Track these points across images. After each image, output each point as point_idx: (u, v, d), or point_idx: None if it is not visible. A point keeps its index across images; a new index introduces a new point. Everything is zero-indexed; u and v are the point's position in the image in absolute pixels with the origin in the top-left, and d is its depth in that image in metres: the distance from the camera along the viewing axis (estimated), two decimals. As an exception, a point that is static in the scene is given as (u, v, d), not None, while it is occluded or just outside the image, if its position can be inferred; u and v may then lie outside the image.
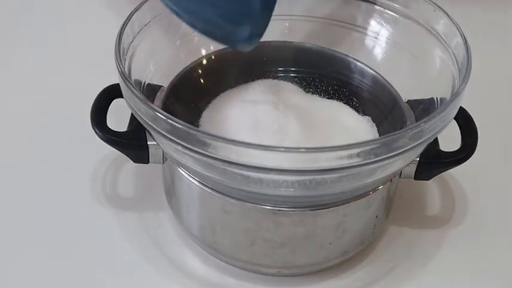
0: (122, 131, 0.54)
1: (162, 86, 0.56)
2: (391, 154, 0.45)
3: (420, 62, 0.57)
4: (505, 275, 0.57)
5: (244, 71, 0.60)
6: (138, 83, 0.53)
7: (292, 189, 0.47)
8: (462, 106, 0.53)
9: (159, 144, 0.52)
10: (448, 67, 0.53)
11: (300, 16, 0.62)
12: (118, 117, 0.55)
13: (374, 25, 0.60)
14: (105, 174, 0.62)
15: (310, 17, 0.62)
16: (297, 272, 0.55)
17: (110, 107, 0.54)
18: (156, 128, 0.46)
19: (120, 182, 0.62)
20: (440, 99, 0.53)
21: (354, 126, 0.57)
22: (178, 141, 0.45)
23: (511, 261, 0.58)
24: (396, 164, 0.48)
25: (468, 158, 0.54)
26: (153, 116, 0.46)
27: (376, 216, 0.54)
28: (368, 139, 0.49)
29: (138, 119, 0.49)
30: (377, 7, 0.60)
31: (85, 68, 0.73)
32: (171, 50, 0.58)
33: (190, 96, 0.58)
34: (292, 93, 0.59)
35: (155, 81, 0.56)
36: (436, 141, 0.54)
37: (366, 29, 0.60)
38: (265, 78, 0.60)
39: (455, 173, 0.62)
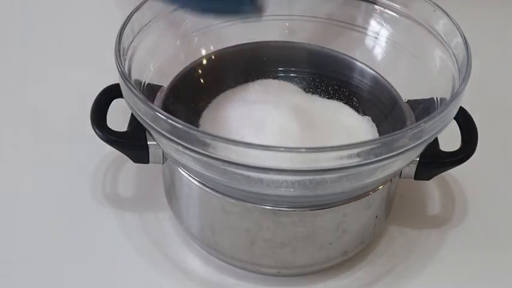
0: (122, 131, 0.54)
1: (162, 86, 0.56)
2: (391, 154, 0.45)
3: (420, 62, 0.57)
4: (505, 275, 0.57)
5: (244, 71, 0.60)
6: (138, 83, 0.53)
7: (292, 189, 0.47)
8: (462, 106, 0.53)
9: (159, 144, 0.52)
10: (448, 67, 0.53)
11: (300, 16, 0.62)
12: (118, 117, 0.55)
13: (374, 25, 0.60)
14: (105, 174, 0.62)
15: (310, 17, 0.62)
16: (297, 272, 0.55)
17: (110, 107, 0.54)
18: (156, 128, 0.46)
19: (120, 182, 0.62)
20: (440, 99, 0.53)
21: (354, 126, 0.57)
22: (178, 141, 0.45)
23: (511, 261, 0.58)
24: (396, 164, 0.48)
25: (468, 158, 0.54)
26: (153, 116, 0.46)
27: (376, 216, 0.54)
28: (368, 139, 0.49)
29: (138, 119, 0.49)
30: (377, 7, 0.60)
31: (85, 68, 0.73)
32: (171, 50, 0.58)
33: (190, 96, 0.58)
34: (292, 93, 0.59)
35: (155, 81, 0.56)
36: (436, 141, 0.54)
37: (366, 29, 0.60)
38: (265, 78, 0.60)
39: (455, 173, 0.62)
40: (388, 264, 0.57)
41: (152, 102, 0.52)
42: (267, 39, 0.61)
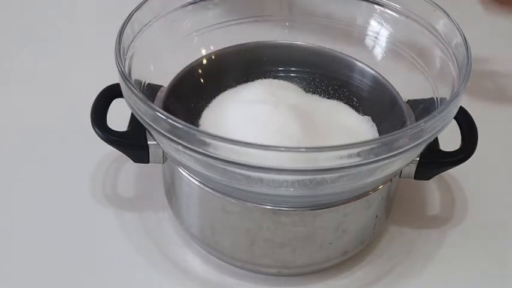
0: (122, 130, 0.54)
1: (162, 86, 0.57)
2: (391, 154, 0.45)
3: (420, 62, 0.57)
4: (505, 275, 0.57)
5: (244, 71, 0.60)
6: (138, 83, 0.53)
7: (292, 189, 0.47)
8: (462, 106, 0.53)
9: (159, 144, 0.52)
10: (448, 67, 0.53)
11: (300, 16, 0.62)
12: (118, 117, 0.55)
13: (374, 25, 0.60)
14: (105, 174, 0.62)
15: (310, 17, 0.62)
16: (297, 272, 0.55)
17: (110, 107, 0.54)
18: (156, 127, 0.46)
19: (120, 182, 0.62)
20: (440, 99, 0.53)
21: (354, 126, 0.57)
22: (178, 140, 0.45)
23: (511, 261, 0.58)
24: (396, 164, 0.48)
25: (468, 158, 0.54)
26: (153, 116, 0.46)
27: (376, 216, 0.54)
28: (368, 139, 0.49)
29: (138, 118, 0.49)
30: (377, 7, 0.60)
31: (85, 68, 0.73)
32: (171, 50, 0.58)
33: (190, 96, 0.58)
34: (292, 93, 0.59)
35: (155, 81, 0.56)
36: (436, 141, 0.54)
37: (366, 29, 0.61)
38: (265, 78, 0.60)
39: (455, 173, 0.62)
40: (388, 264, 0.57)
41: (152, 102, 0.52)
42: (267, 39, 0.61)
